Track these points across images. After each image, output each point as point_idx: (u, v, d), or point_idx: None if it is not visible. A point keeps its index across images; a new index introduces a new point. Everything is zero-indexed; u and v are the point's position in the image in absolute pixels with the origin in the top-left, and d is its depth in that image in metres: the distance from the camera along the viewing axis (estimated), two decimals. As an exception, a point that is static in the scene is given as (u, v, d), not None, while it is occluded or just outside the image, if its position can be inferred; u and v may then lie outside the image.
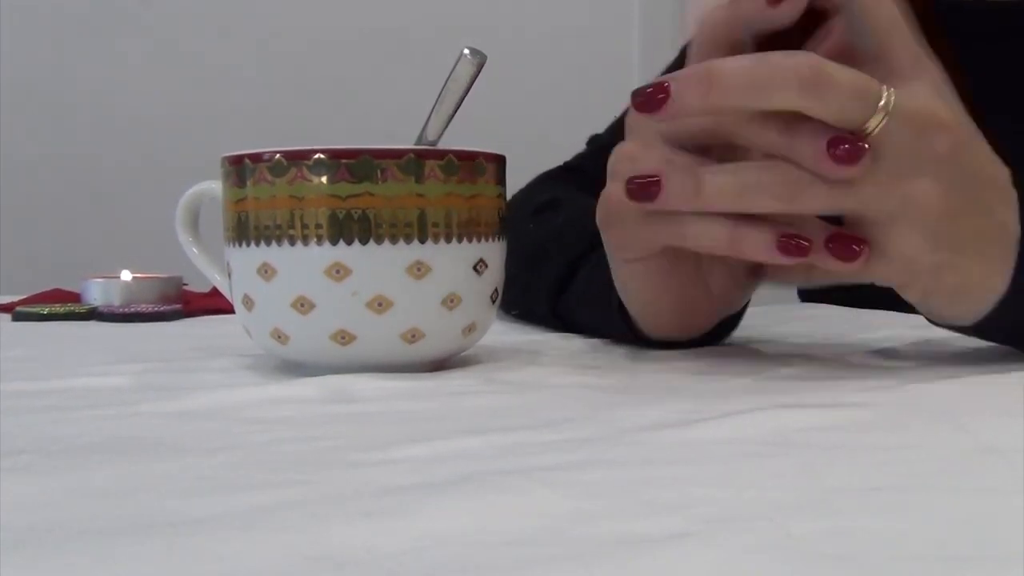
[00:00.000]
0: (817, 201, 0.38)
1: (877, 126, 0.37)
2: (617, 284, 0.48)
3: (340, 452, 0.30)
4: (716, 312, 0.49)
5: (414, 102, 0.86)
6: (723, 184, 0.38)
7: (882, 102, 0.37)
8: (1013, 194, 0.41)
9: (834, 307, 0.74)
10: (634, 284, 0.47)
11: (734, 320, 0.53)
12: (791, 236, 0.39)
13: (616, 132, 0.81)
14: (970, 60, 0.64)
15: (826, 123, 0.37)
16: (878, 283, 0.41)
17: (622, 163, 0.43)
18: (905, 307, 0.43)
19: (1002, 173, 0.41)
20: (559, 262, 0.59)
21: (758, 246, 0.39)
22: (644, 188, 0.40)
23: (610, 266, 0.48)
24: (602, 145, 0.80)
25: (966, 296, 0.41)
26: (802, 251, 0.39)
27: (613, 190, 0.43)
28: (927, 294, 0.41)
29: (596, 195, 0.45)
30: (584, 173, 0.78)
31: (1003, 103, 0.58)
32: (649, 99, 0.38)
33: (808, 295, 0.86)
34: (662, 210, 0.40)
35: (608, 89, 1.12)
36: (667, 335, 0.50)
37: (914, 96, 0.38)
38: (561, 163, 0.83)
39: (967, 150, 0.39)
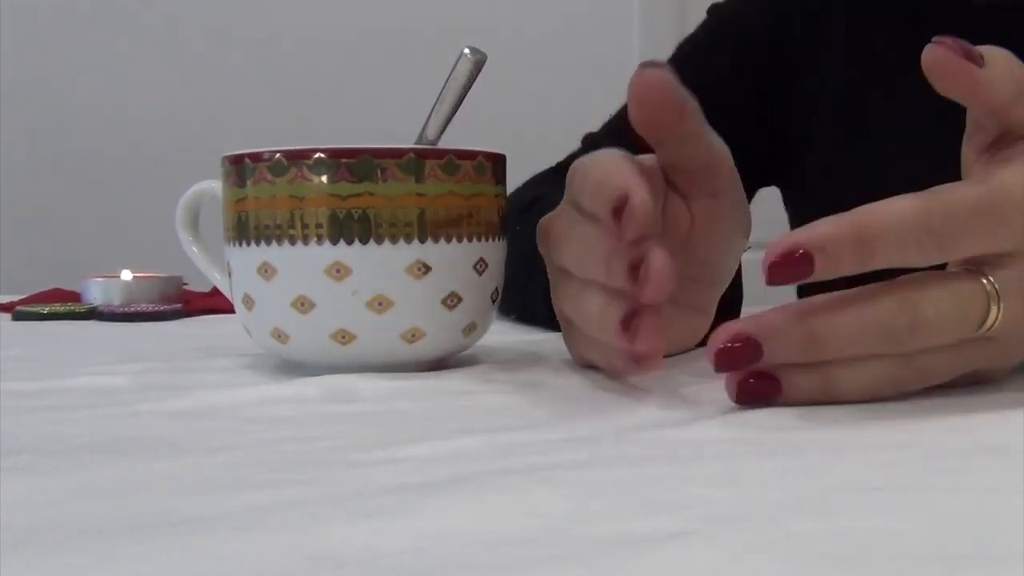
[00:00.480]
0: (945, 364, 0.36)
1: (994, 322, 0.35)
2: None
3: (340, 452, 0.30)
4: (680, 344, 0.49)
5: (414, 102, 0.86)
6: (854, 387, 0.35)
7: (991, 306, 0.34)
8: None
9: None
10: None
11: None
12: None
13: (610, 131, 0.81)
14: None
15: None
16: None
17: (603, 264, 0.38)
18: None
19: None
20: None
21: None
22: (764, 388, 0.35)
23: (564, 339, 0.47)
24: (597, 144, 0.80)
25: None
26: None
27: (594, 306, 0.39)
28: None
29: None
30: None
31: None
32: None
33: (807, 293, 0.86)
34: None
35: (608, 89, 1.11)
36: None
37: (1016, 273, 0.35)
38: (555, 164, 0.83)
39: None
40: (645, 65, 0.37)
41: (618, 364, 0.40)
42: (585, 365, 0.46)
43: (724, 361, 0.34)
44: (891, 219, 0.33)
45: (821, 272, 0.33)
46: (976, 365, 0.37)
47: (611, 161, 0.39)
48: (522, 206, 0.68)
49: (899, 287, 0.34)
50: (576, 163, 0.42)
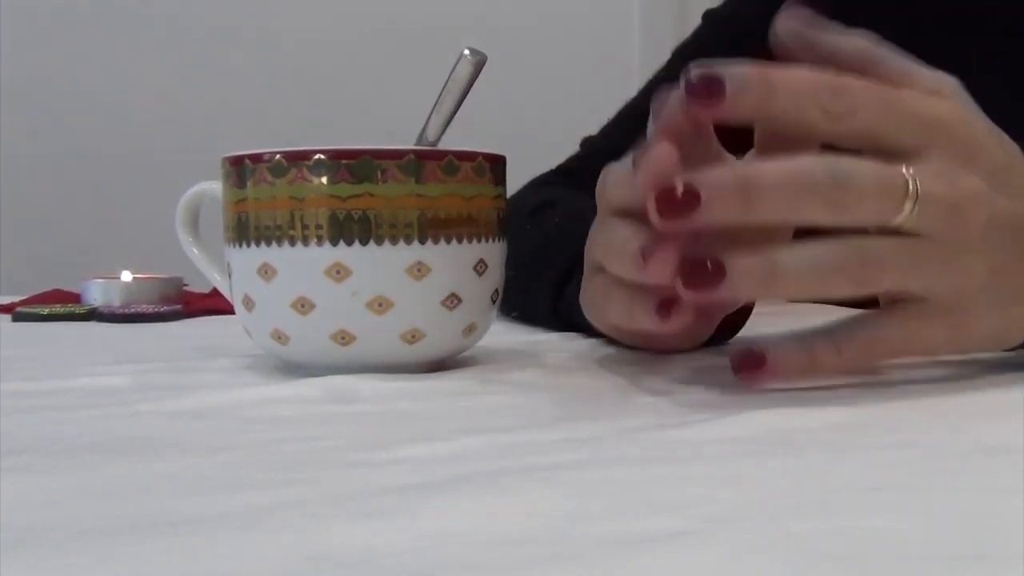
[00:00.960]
0: (887, 282, 0.37)
1: (908, 217, 0.36)
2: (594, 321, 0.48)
3: (340, 452, 0.30)
4: (692, 339, 0.49)
5: (414, 102, 0.86)
6: (799, 269, 0.36)
7: (909, 192, 0.36)
8: None
9: (834, 306, 0.74)
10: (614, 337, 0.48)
11: (736, 326, 0.53)
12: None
13: (609, 135, 0.81)
14: (997, 56, 0.64)
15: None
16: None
17: (624, 246, 0.39)
18: None
19: None
20: (557, 261, 0.59)
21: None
22: (707, 273, 0.35)
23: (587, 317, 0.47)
24: (596, 147, 0.80)
25: None
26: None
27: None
28: (1001, 344, 0.41)
29: (590, 196, 0.45)
30: (579, 176, 0.78)
31: None
32: (676, 206, 0.35)
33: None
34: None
35: (608, 89, 1.11)
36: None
37: (939, 174, 0.36)
38: (554, 167, 0.83)
39: (1003, 211, 0.38)
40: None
41: (640, 319, 0.39)
42: (611, 333, 0.46)
43: (663, 208, 0.35)
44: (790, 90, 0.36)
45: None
46: (922, 281, 0.37)
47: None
48: (532, 207, 0.68)
49: (827, 165, 0.36)
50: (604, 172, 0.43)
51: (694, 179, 0.35)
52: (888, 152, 0.37)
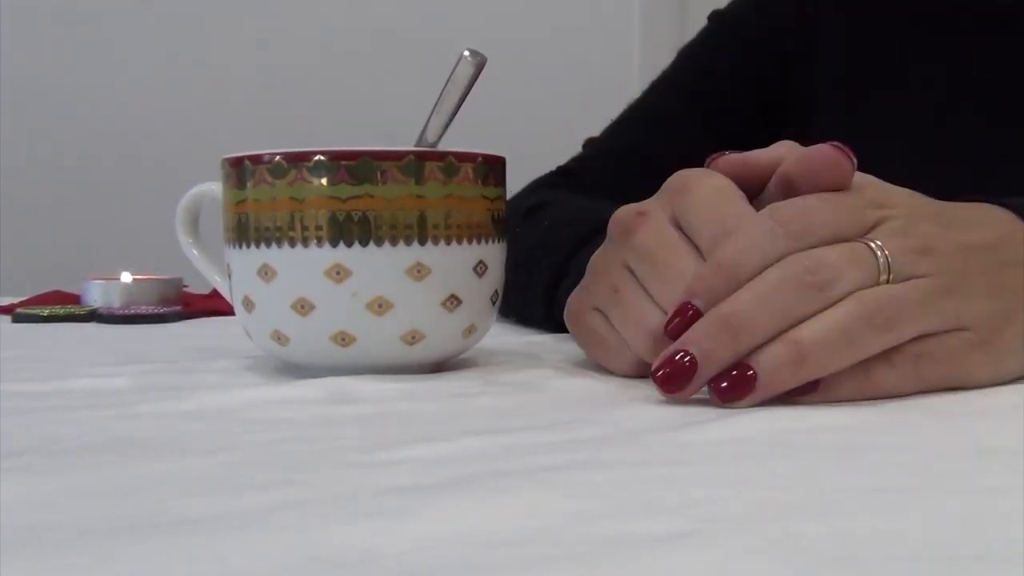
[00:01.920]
0: (910, 321, 0.36)
1: (885, 269, 0.36)
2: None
3: (340, 453, 0.30)
4: None
5: (414, 103, 0.86)
6: (827, 337, 0.35)
7: (875, 250, 0.37)
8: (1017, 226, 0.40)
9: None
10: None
11: None
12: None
13: (612, 136, 0.81)
14: (982, 56, 0.64)
15: None
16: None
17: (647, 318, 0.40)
18: None
19: (991, 222, 0.40)
20: (551, 263, 0.59)
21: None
22: (739, 381, 0.36)
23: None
24: (599, 148, 0.80)
25: None
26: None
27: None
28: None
29: (592, 197, 0.45)
30: (580, 177, 0.78)
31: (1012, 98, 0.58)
32: (674, 374, 0.36)
33: None
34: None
35: (608, 89, 1.12)
36: None
37: (892, 232, 0.37)
38: (556, 167, 0.83)
39: (962, 243, 0.38)
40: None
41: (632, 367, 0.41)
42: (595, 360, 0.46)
43: (664, 383, 0.36)
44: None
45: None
46: (941, 318, 0.37)
47: (720, 195, 0.40)
48: (524, 211, 0.68)
49: (803, 261, 0.36)
50: (684, 175, 0.42)
51: (681, 343, 0.36)
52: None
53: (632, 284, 0.41)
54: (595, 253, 0.45)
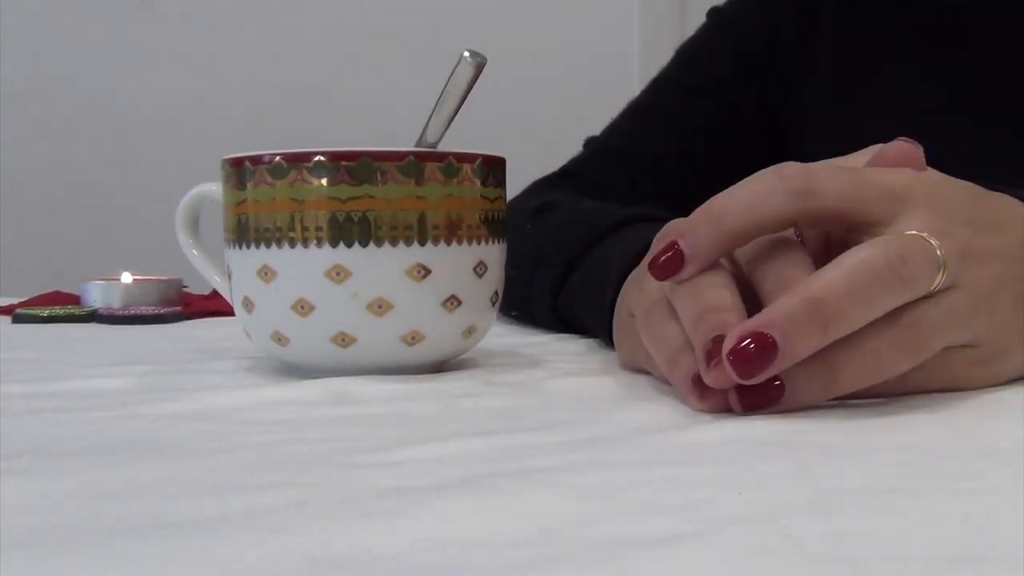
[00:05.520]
0: (938, 342, 0.35)
1: (940, 280, 0.35)
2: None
3: (340, 454, 0.30)
4: None
5: (414, 103, 0.86)
6: (857, 360, 0.34)
7: (939, 256, 0.35)
8: None
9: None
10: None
11: None
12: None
13: (612, 136, 0.81)
14: (997, 56, 0.64)
15: None
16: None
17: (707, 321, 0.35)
18: None
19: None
20: (558, 262, 0.59)
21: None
22: (767, 393, 0.34)
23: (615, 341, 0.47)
24: (599, 148, 0.81)
25: None
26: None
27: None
28: None
29: (593, 198, 0.45)
30: (581, 178, 0.78)
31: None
32: (751, 357, 0.32)
33: None
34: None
35: (608, 89, 1.12)
36: None
37: (942, 233, 0.36)
38: (557, 168, 0.83)
39: (988, 248, 0.37)
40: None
41: (675, 385, 0.38)
42: (634, 369, 0.45)
43: (740, 366, 0.33)
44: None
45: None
46: (971, 330, 0.36)
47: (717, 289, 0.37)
48: (533, 208, 0.68)
49: (876, 254, 0.34)
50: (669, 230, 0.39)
51: (764, 323, 0.33)
52: (862, 224, 0.37)
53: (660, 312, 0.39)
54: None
